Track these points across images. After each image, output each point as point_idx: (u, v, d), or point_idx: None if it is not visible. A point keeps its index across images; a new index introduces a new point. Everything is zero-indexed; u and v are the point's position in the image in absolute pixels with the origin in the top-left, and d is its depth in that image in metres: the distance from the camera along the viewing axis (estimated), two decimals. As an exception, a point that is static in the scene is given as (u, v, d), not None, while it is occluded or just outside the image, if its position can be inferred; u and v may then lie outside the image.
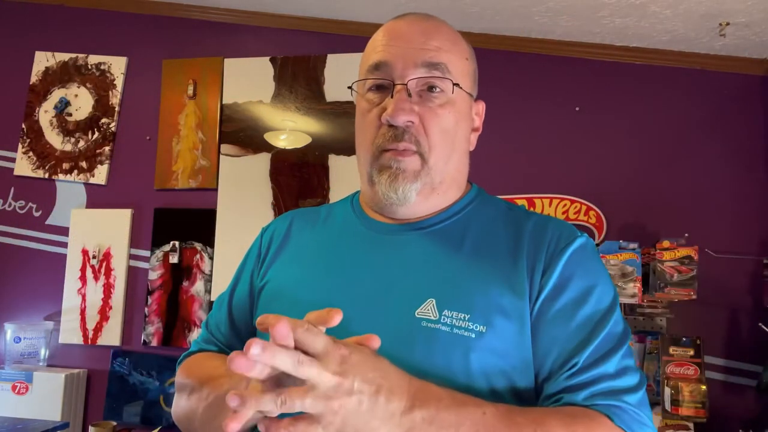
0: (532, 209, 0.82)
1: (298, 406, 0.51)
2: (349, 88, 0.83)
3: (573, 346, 0.68)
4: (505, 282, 0.71)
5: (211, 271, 2.25)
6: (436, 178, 0.76)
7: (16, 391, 2.17)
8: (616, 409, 0.64)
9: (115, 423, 2.14)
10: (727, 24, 1.83)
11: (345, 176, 2.20)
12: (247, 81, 2.34)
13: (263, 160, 2.28)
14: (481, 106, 0.84)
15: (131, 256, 2.35)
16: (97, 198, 2.42)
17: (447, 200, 0.80)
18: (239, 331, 0.87)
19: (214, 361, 0.81)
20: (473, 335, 0.67)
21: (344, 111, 2.24)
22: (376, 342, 0.59)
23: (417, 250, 0.76)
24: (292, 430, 0.51)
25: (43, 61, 2.54)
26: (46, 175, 2.46)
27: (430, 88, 0.75)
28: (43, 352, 2.31)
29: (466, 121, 0.80)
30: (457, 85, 0.75)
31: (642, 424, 0.65)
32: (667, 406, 1.71)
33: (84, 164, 2.44)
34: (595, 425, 0.63)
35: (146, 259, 2.34)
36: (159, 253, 2.31)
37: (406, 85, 0.74)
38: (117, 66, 2.48)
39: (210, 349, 0.88)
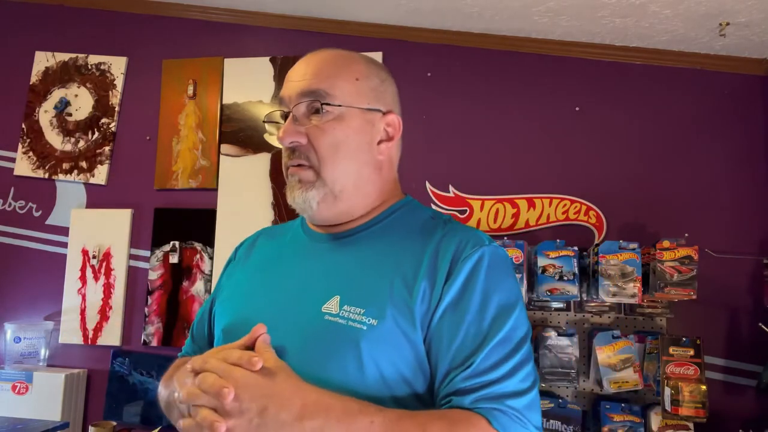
0: (446, 219, 0.91)
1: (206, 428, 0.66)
2: (264, 122, 0.97)
3: (468, 351, 0.75)
4: (403, 282, 0.78)
5: (211, 271, 2.25)
6: (335, 187, 0.85)
7: (16, 391, 2.17)
8: (497, 412, 0.70)
9: (115, 423, 2.14)
10: (727, 24, 1.83)
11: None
12: (247, 81, 2.34)
13: (263, 160, 2.28)
14: (392, 118, 0.91)
15: (131, 256, 2.35)
16: (97, 198, 2.42)
17: (361, 207, 0.88)
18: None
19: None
20: (365, 327, 0.75)
21: (344, 111, 2.24)
22: (261, 329, 0.74)
23: (333, 256, 0.87)
24: None
25: (43, 61, 2.54)
26: (46, 175, 2.46)
27: (317, 111, 0.84)
28: (43, 352, 2.31)
29: (361, 135, 0.87)
30: (327, 104, 0.84)
31: (522, 427, 0.71)
32: (667, 406, 1.71)
33: (84, 164, 2.44)
34: (473, 429, 0.69)
35: (146, 259, 2.34)
36: (159, 253, 2.31)
37: (291, 112, 0.85)
38: (117, 66, 2.48)
39: (190, 354, 1.01)
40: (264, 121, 0.96)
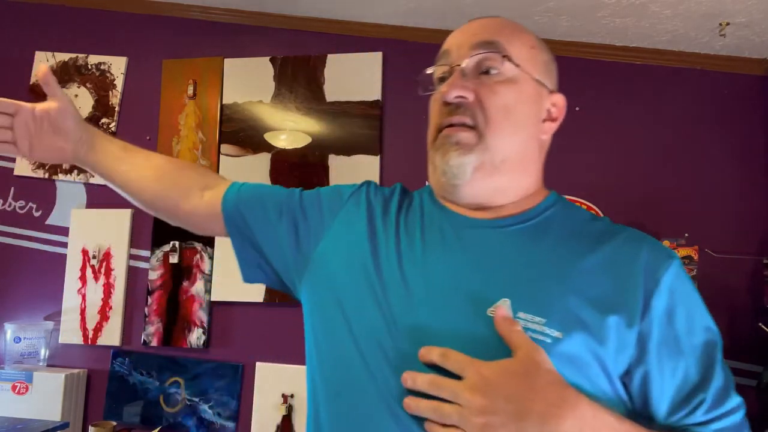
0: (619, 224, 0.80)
1: (447, 419, 0.62)
2: (416, 81, 0.82)
3: (697, 380, 0.69)
4: (585, 295, 0.68)
5: (211, 271, 2.25)
6: (496, 155, 0.74)
7: (16, 391, 2.17)
8: None
9: (115, 423, 2.14)
10: (727, 24, 1.83)
11: (345, 176, 2.20)
12: (247, 81, 2.34)
13: (263, 160, 2.28)
14: (558, 98, 0.82)
15: (131, 256, 2.35)
16: (97, 198, 2.42)
17: (517, 188, 0.78)
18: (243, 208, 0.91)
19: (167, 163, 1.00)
20: (549, 340, 0.65)
21: (344, 111, 2.24)
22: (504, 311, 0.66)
23: (493, 248, 0.74)
24: None
25: (43, 61, 2.54)
26: (46, 175, 2.46)
27: (488, 71, 0.76)
28: (43, 352, 2.31)
29: (531, 105, 0.78)
30: (507, 57, 0.75)
31: None
32: (667, 406, 1.70)
33: (84, 164, 2.44)
34: None
35: (146, 259, 2.34)
36: (159, 253, 2.31)
37: (460, 65, 0.76)
38: (117, 66, 2.48)
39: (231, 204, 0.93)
40: (418, 80, 0.82)
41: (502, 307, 0.65)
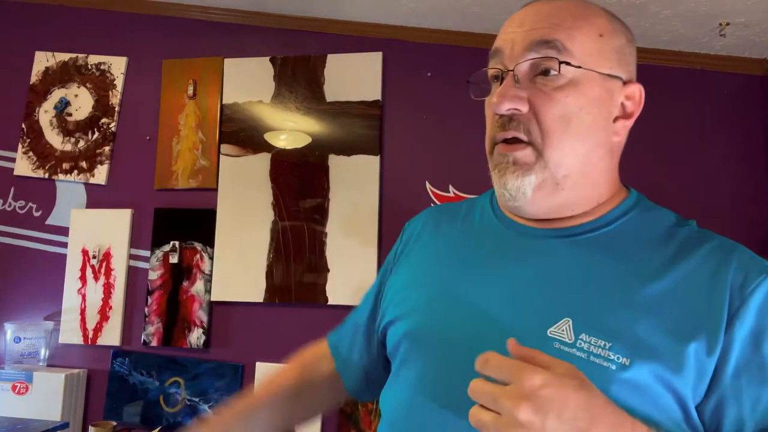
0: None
1: (483, 428, 0.52)
2: (467, 81, 0.75)
3: None
4: (659, 311, 0.61)
5: (211, 271, 2.25)
6: (558, 171, 0.67)
7: (16, 391, 2.17)
8: None
9: (115, 423, 2.14)
10: (727, 24, 1.83)
11: (345, 176, 2.20)
12: (247, 81, 2.34)
13: (263, 160, 2.28)
14: (634, 90, 0.73)
15: (131, 256, 2.35)
16: (97, 198, 2.42)
17: (585, 201, 0.70)
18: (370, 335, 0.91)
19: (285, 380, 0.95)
20: (614, 366, 0.58)
21: (344, 111, 2.24)
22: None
23: (557, 260, 0.68)
24: None
25: (43, 61, 2.54)
26: (46, 175, 2.46)
27: (545, 72, 0.67)
28: (43, 352, 2.31)
29: (599, 107, 0.69)
30: (566, 63, 0.65)
31: None
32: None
33: (84, 164, 2.44)
34: None
35: (146, 259, 2.34)
36: (159, 253, 2.31)
37: (512, 70, 0.68)
38: (117, 66, 2.48)
39: (330, 345, 0.97)
40: (469, 81, 0.74)
41: (513, 340, 0.56)
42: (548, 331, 0.61)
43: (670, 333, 0.60)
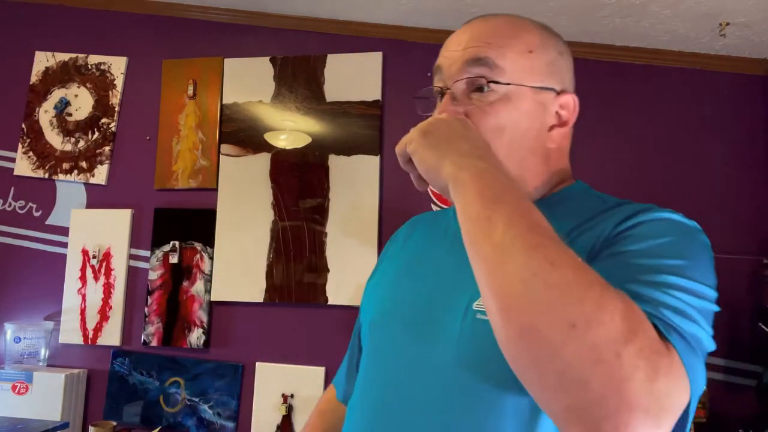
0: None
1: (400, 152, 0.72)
2: (415, 98, 0.86)
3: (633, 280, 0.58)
4: None
5: (211, 271, 2.25)
6: None
7: (16, 391, 2.17)
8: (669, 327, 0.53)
9: (115, 423, 2.14)
10: (727, 24, 1.83)
11: (345, 176, 2.20)
12: (247, 81, 2.34)
13: (263, 160, 2.28)
14: (567, 100, 0.78)
15: (131, 256, 2.35)
16: (97, 198, 2.42)
17: None
18: None
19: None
20: None
21: (344, 111, 2.24)
22: None
23: None
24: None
25: (43, 61, 2.54)
26: (46, 175, 2.46)
27: (480, 88, 0.74)
28: (43, 352, 2.31)
29: (531, 118, 0.75)
30: (495, 81, 0.73)
31: (695, 357, 0.53)
32: (667, 406, 1.70)
33: (84, 164, 2.44)
34: (631, 308, 0.51)
35: (146, 259, 2.34)
36: (159, 253, 2.31)
37: (450, 89, 0.75)
38: (117, 66, 2.48)
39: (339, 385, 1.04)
40: (415, 97, 0.83)
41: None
42: (473, 305, 0.70)
43: None
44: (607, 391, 0.47)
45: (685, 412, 0.53)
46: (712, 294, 0.62)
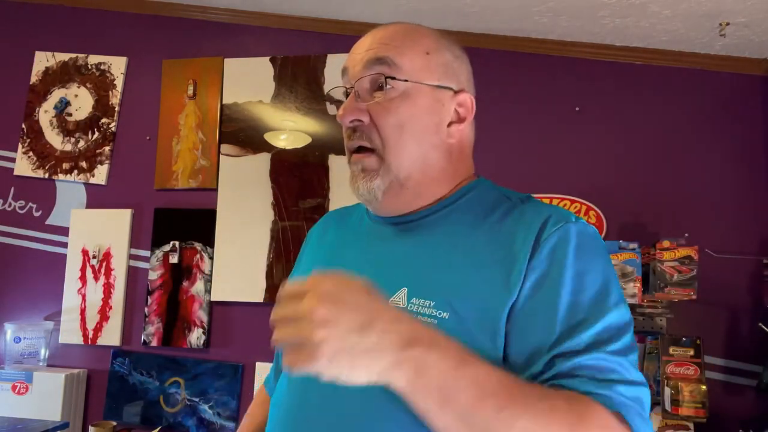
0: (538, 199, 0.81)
1: (294, 339, 0.57)
2: (326, 98, 0.89)
3: (563, 337, 0.66)
4: (477, 270, 0.71)
5: (211, 271, 2.25)
6: (400, 173, 0.78)
7: (16, 391, 2.17)
8: (618, 402, 0.62)
9: (115, 423, 2.14)
10: (727, 24, 1.83)
11: (345, 176, 2.18)
12: (247, 81, 2.34)
13: (263, 160, 2.28)
14: (464, 98, 0.83)
15: (131, 256, 2.35)
16: (97, 198, 2.42)
17: (430, 195, 0.81)
18: None
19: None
20: (435, 321, 0.69)
21: (344, 111, 2.24)
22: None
23: (400, 243, 0.80)
24: (295, 358, 0.56)
25: (43, 61, 2.54)
26: (46, 175, 2.46)
27: (380, 87, 0.78)
28: (43, 352, 2.31)
29: (429, 114, 0.79)
30: (392, 78, 0.77)
31: (645, 424, 0.63)
32: (667, 406, 1.71)
33: (84, 164, 2.44)
34: (596, 415, 0.60)
35: (146, 259, 2.34)
36: (159, 253, 2.31)
37: (353, 87, 0.79)
38: (117, 66, 2.48)
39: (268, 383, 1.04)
40: (325, 97, 0.90)
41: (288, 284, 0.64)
42: (389, 300, 0.72)
43: (483, 281, 0.70)
44: None
45: None
46: (628, 316, 0.70)
